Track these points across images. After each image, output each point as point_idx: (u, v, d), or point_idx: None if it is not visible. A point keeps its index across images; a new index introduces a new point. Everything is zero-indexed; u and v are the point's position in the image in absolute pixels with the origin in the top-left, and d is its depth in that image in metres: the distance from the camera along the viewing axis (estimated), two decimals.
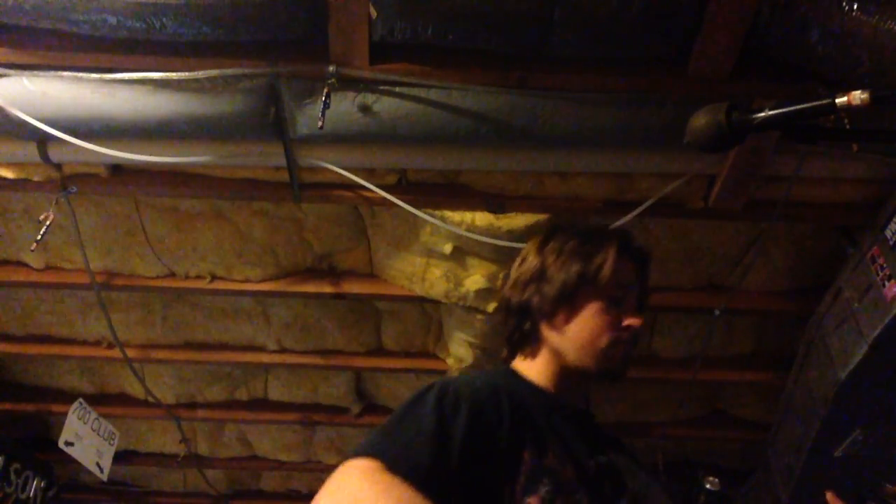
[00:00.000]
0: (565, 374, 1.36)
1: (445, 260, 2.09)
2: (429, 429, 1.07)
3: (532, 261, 1.43)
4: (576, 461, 1.23)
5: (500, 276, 2.07)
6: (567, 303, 1.35)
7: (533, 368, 1.38)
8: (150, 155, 1.77)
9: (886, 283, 1.76)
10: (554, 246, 1.40)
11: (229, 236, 2.18)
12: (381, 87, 1.64)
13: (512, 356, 1.45)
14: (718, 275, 2.25)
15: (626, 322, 1.33)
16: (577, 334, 1.35)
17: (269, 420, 2.93)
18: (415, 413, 1.11)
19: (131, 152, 1.75)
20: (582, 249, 1.38)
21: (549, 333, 1.38)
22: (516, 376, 1.38)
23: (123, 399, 2.91)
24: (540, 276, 1.39)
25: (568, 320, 1.36)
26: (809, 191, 1.89)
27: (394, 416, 1.14)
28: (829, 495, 1.32)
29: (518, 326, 1.41)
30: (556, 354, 1.36)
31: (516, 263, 1.51)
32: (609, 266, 1.34)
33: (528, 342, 1.41)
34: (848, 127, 1.39)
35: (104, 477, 2.64)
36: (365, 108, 1.65)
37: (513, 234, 1.93)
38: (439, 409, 1.10)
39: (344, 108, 1.65)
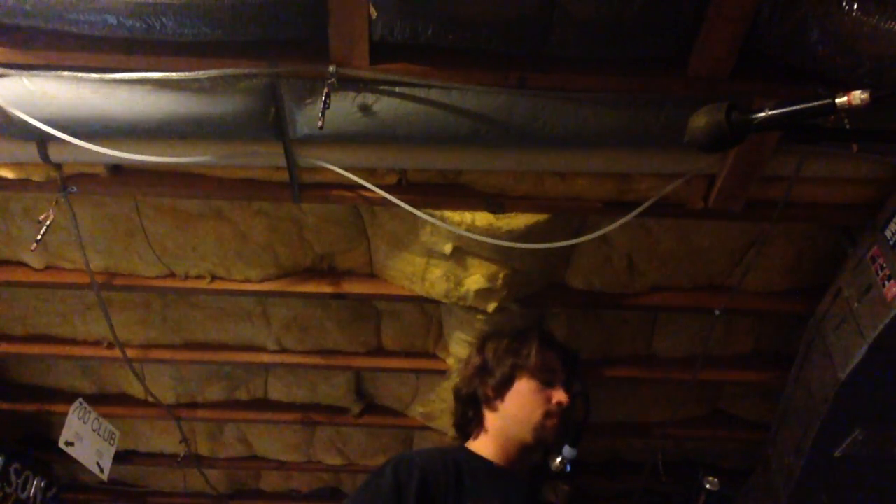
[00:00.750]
0: (507, 448, 1.65)
1: (445, 260, 2.09)
2: (388, 490, 1.38)
3: (475, 360, 1.80)
4: None
5: (501, 276, 2.07)
6: (506, 388, 1.69)
7: (481, 446, 1.67)
8: (150, 155, 1.77)
9: (886, 283, 1.76)
10: (491, 346, 1.78)
11: (229, 236, 2.18)
12: (381, 87, 1.64)
13: (464, 439, 1.74)
14: (718, 275, 2.24)
15: (555, 399, 1.66)
16: (515, 412, 1.66)
17: (269, 420, 2.93)
18: (377, 481, 1.42)
19: (131, 152, 1.75)
20: (512, 346, 1.74)
21: (491, 416, 1.69)
22: (467, 451, 1.67)
23: (123, 399, 2.91)
24: (483, 370, 1.74)
25: (507, 402, 1.68)
26: (809, 191, 1.89)
27: (362, 484, 1.47)
28: None
29: (464, 413, 1.74)
30: (499, 432, 1.66)
31: (462, 365, 1.93)
32: (534, 354, 1.70)
33: (473, 426, 1.73)
34: (848, 127, 1.39)
35: (104, 477, 2.64)
36: (365, 108, 1.65)
37: (513, 234, 1.93)
38: (395, 475, 1.41)
39: (344, 108, 1.65)
